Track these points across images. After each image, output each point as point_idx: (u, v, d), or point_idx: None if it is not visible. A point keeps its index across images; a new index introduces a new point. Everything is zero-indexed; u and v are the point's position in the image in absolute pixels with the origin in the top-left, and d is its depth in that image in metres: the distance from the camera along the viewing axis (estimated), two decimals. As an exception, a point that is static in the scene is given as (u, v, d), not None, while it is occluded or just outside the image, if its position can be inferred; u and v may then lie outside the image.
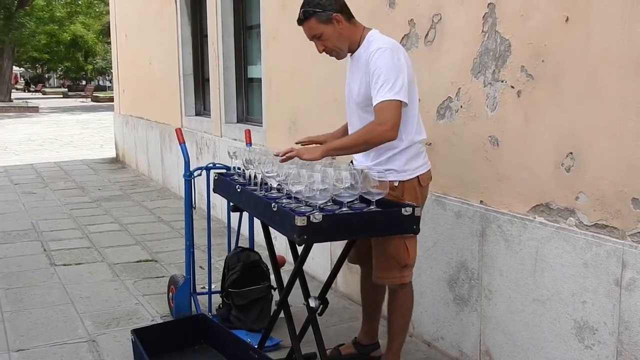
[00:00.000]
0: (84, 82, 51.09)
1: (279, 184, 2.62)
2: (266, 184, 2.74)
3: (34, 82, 55.14)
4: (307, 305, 2.69)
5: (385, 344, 2.98)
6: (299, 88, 4.57)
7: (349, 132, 2.84)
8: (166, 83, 8.15)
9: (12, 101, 30.59)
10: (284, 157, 2.58)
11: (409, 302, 2.87)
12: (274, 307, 3.20)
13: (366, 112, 2.68)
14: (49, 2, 34.05)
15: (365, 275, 3.06)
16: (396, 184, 2.68)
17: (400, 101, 2.52)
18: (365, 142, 2.60)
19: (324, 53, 2.76)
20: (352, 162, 2.88)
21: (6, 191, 8.16)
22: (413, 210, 2.39)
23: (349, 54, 2.78)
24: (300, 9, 2.67)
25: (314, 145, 2.77)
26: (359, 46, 2.71)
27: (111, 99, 17.08)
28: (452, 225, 3.13)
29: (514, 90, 2.74)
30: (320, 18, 2.63)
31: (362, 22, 3.64)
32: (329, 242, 4.01)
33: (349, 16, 2.69)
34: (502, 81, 2.80)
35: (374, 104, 2.54)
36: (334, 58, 2.82)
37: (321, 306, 2.72)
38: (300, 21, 2.68)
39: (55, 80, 63.28)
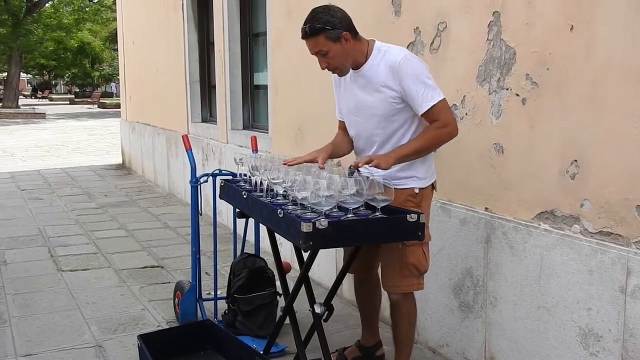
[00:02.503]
0: (87, 89, 51.33)
1: (284, 191, 2.64)
2: (272, 190, 2.75)
3: (41, 89, 55.40)
4: (313, 311, 2.70)
5: (387, 347, 2.99)
6: (305, 95, 4.59)
7: (358, 146, 2.84)
8: (172, 90, 8.19)
9: (19, 107, 30.75)
10: (362, 165, 2.55)
11: (414, 310, 2.88)
12: (279, 313, 3.21)
13: (390, 122, 2.67)
14: (57, 9, 34.22)
15: (359, 282, 3.10)
16: (417, 191, 2.71)
17: (445, 98, 2.60)
18: (435, 145, 2.69)
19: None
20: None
21: (13, 197, 8.20)
22: (418, 217, 2.40)
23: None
24: (306, 23, 2.60)
25: (383, 154, 2.68)
26: (366, 59, 2.67)
27: (118, 106, 17.16)
28: (457, 232, 3.14)
29: (518, 98, 2.75)
30: (329, 36, 2.57)
31: (367, 30, 3.66)
32: (334, 249, 4.02)
33: (355, 33, 2.65)
34: (507, 89, 2.81)
35: (426, 109, 2.57)
36: None
37: (326, 312, 2.72)
38: (306, 35, 2.61)
39: (62, 86, 63.55)
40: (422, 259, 2.73)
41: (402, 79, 2.57)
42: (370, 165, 2.53)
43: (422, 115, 2.60)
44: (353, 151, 2.93)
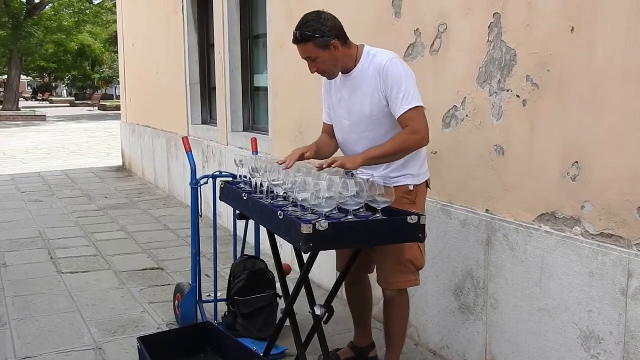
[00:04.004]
0: (88, 91, 51.38)
1: (285, 192, 2.63)
2: (272, 192, 2.75)
3: (41, 91, 55.44)
4: (313, 313, 2.69)
5: (380, 345, 3.00)
6: (305, 97, 4.59)
7: (345, 149, 2.89)
8: (173, 92, 8.19)
9: (19, 110, 30.78)
10: (325, 167, 2.58)
11: (407, 307, 2.92)
12: (279, 315, 3.21)
13: (379, 125, 2.72)
14: (57, 11, 34.25)
15: (351, 283, 3.10)
16: (411, 188, 2.77)
17: (423, 106, 2.65)
18: (403, 151, 2.67)
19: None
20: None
21: (13, 199, 8.20)
22: (419, 218, 2.40)
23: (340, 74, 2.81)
24: (297, 29, 2.68)
25: (350, 155, 2.79)
26: (355, 64, 2.74)
27: (118, 108, 17.17)
28: (458, 234, 3.13)
29: (519, 100, 2.75)
30: (318, 43, 2.65)
31: (368, 32, 3.67)
32: (334, 250, 4.01)
33: (345, 40, 2.72)
34: (508, 90, 2.80)
35: (401, 113, 2.62)
36: None
37: (327, 314, 2.72)
38: (297, 41, 2.69)
39: (64, 89, 63.60)
40: (419, 255, 2.79)
41: (386, 82, 2.65)
42: (334, 165, 2.59)
43: (398, 119, 2.65)
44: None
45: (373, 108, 2.70)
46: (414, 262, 2.77)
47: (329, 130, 3.01)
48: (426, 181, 2.85)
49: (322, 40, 2.64)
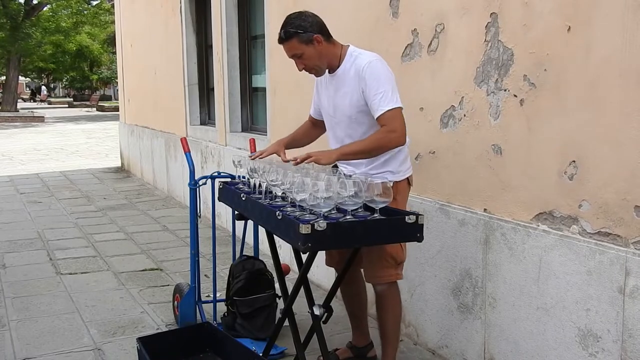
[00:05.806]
0: (86, 92, 51.35)
1: (283, 193, 2.64)
2: (270, 192, 2.76)
3: (40, 92, 55.37)
4: (312, 313, 2.70)
5: (378, 345, 3.01)
6: (304, 97, 4.59)
7: (332, 144, 2.96)
8: (171, 92, 8.19)
9: (18, 111, 30.76)
10: (299, 161, 2.64)
11: (399, 301, 2.95)
12: (278, 315, 3.21)
13: (359, 124, 2.81)
14: (55, 12, 34.22)
15: (345, 283, 3.10)
16: (390, 184, 2.78)
17: (401, 107, 2.69)
18: (378, 148, 2.73)
19: (303, 71, 2.86)
20: (336, 167, 2.93)
21: (12, 200, 8.20)
22: (417, 218, 2.41)
23: (327, 72, 2.88)
24: (281, 29, 2.76)
25: (326, 150, 2.85)
26: (339, 63, 2.81)
27: (116, 109, 17.15)
28: (456, 233, 3.14)
29: (516, 99, 2.75)
30: (301, 39, 2.73)
31: (365, 32, 3.68)
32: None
33: (327, 36, 2.80)
34: (505, 90, 2.81)
35: (380, 113, 2.67)
36: None
37: (326, 314, 2.73)
38: (281, 40, 2.78)
39: (61, 89, 63.54)
40: (399, 249, 2.85)
41: (364, 83, 2.70)
42: (308, 161, 2.65)
43: (376, 119, 2.70)
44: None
45: (352, 108, 2.78)
46: (394, 256, 2.83)
47: (312, 120, 3.15)
48: (407, 178, 2.90)
49: (305, 36, 2.72)
